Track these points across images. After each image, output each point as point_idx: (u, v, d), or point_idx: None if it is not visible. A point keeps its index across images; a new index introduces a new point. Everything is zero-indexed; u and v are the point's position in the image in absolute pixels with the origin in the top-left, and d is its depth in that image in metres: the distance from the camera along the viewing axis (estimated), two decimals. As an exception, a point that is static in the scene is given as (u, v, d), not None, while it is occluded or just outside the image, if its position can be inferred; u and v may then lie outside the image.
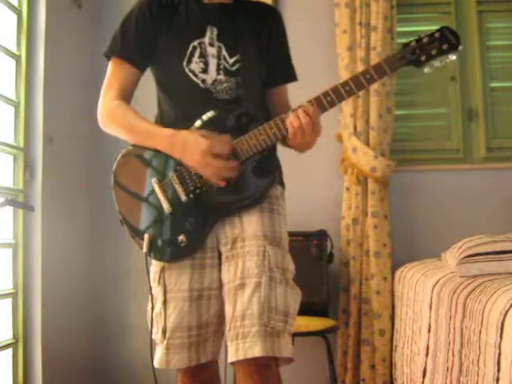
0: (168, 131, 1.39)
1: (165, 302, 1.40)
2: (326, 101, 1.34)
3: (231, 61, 1.46)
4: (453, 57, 1.35)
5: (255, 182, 1.39)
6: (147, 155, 1.43)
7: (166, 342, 1.39)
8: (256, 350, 1.27)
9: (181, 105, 1.47)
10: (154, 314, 1.43)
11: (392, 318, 2.67)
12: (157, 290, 1.43)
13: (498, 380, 1.34)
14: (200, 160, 1.33)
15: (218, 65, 1.44)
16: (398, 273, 2.63)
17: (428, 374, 1.95)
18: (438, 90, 2.97)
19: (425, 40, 1.34)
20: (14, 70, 2.39)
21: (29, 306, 2.33)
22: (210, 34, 1.46)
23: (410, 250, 2.78)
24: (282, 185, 1.52)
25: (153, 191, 1.41)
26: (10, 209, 2.26)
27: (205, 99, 1.43)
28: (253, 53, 1.47)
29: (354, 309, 2.70)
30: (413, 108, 3.02)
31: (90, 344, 2.80)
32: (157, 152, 1.41)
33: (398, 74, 2.74)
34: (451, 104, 2.96)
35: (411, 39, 1.36)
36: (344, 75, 2.73)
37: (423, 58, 1.34)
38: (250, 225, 1.37)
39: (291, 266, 1.41)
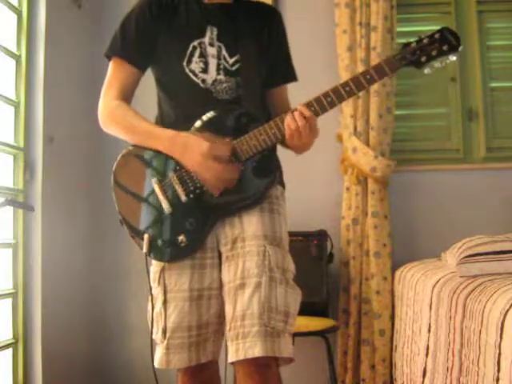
0: (169, 132, 1.39)
1: (165, 302, 1.40)
2: (327, 101, 1.35)
3: (231, 61, 1.46)
4: (453, 57, 1.35)
5: (255, 182, 1.39)
6: (147, 155, 1.43)
7: (166, 342, 1.39)
8: (256, 350, 1.27)
9: (181, 105, 1.47)
10: (154, 314, 1.44)
11: (392, 318, 2.67)
12: (157, 290, 1.43)
13: (497, 380, 1.34)
14: (200, 161, 1.33)
15: (218, 65, 1.44)
16: (397, 273, 2.63)
17: (428, 374, 1.95)
18: (438, 90, 2.97)
19: (425, 41, 1.34)
20: (14, 70, 2.39)
21: (29, 306, 2.33)
22: (210, 33, 1.46)
23: (409, 250, 2.78)
24: (282, 185, 1.52)
25: (153, 191, 1.41)
26: (10, 209, 2.26)
27: (205, 99, 1.43)
28: (253, 53, 1.47)
29: (354, 309, 2.70)
30: (413, 108, 3.02)
31: (90, 344, 2.80)
32: (157, 152, 1.41)
33: (399, 75, 2.75)
34: (451, 104, 2.96)
35: (411, 40, 1.36)
36: (344, 75, 2.73)
37: (423, 58, 1.35)
38: (250, 225, 1.38)
39: (291, 266, 1.41)
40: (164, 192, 1.40)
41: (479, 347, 1.49)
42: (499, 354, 1.34)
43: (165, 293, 1.41)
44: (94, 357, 2.81)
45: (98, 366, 2.83)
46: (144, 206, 1.42)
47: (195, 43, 1.44)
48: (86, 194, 2.79)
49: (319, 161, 2.81)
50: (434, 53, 1.34)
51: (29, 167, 2.37)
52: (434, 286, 1.97)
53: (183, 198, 1.39)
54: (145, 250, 1.40)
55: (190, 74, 1.43)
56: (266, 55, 1.51)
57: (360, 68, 2.71)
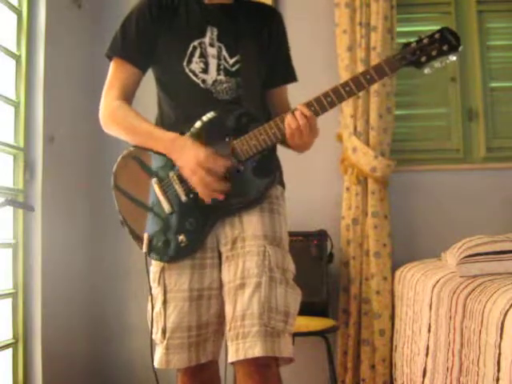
0: (170, 134, 1.39)
1: (165, 302, 1.41)
2: (327, 101, 1.35)
3: (231, 61, 1.46)
4: (453, 57, 1.35)
5: (255, 182, 1.38)
6: (147, 156, 1.43)
7: (165, 342, 1.39)
8: (256, 350, 1.27)
9: (181, 105, 1.47)
10: (153, 314, 1.44)
11: (392, 318, 2.67)
12: (157, 290, 1.43)
13: (497, 380, 1.34)
14: (193, 167, 1.32)
15: (219, 65, 1.44)
16: (397, 273, 2.63)
17: (428, 374, 1.95)
18: (438, 90, 2.97)
19: (425, 41, 1.34)
20: (14, 70, 2.39)
21: (29, 306, 2.33)
22: (211, 34, 1.46)
23: (410, 250, 2.78)
24: (282, 185, 1.52)
25: (153, 191, 1.41)
26: (10, 209, 2.26)
27: (205, 99, 1.43)
28: (253, 53, 1.47)
29: (354, 309, 2.70)
30: (413, 108, 3.02)
31: (90, 344, 2.80)
32: (157, 153, 1.41)
33: (399, 75, 2.75)
34: (451, 104, 2.96)
35: (411, 40, 1.36)
36: (344, 75, 2.73)
37: (423, 58, 1.35)
38: (250, 225, 1.38)
39: (291, 266, 1.41)
40: (164, 192, 1.40)
41: (479, 347, 1.49)
42: (499, 354, 1.34)
43: (165, 293, 1.41)
44: (94, 357, 2.81)
45: (98, 365, 2.83)
46: (144, 206, 1.42)
47: (195, 43, 1.44)
48: (85, 194, 2.79)
49: (319, 161, 2.81)
50: (434, 53, 1.34)
51: (29, 167, 2.37)
52: (434, 286, 1.97)
53: (183, 197, 1.39)
54: (144, 249, 1.40)
55: (190, 74, 1.43)
56: (266, 55, 1.51)
57: (360, 68, 2.71)
